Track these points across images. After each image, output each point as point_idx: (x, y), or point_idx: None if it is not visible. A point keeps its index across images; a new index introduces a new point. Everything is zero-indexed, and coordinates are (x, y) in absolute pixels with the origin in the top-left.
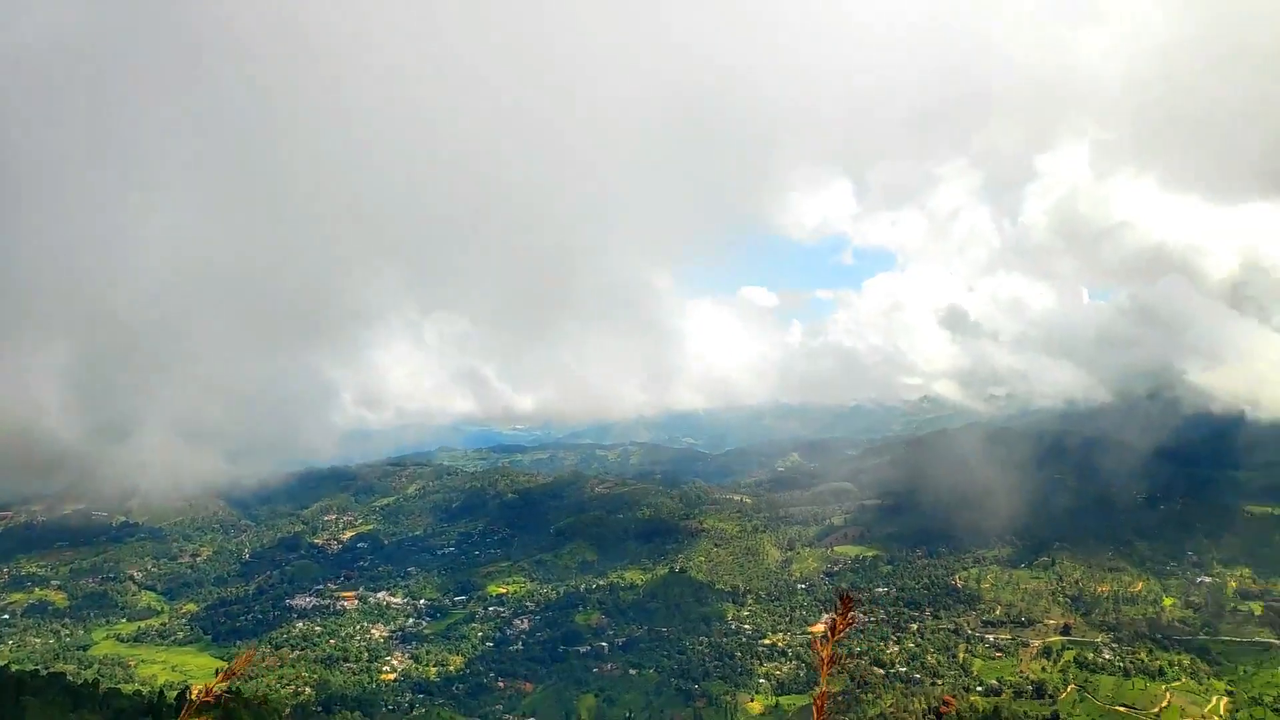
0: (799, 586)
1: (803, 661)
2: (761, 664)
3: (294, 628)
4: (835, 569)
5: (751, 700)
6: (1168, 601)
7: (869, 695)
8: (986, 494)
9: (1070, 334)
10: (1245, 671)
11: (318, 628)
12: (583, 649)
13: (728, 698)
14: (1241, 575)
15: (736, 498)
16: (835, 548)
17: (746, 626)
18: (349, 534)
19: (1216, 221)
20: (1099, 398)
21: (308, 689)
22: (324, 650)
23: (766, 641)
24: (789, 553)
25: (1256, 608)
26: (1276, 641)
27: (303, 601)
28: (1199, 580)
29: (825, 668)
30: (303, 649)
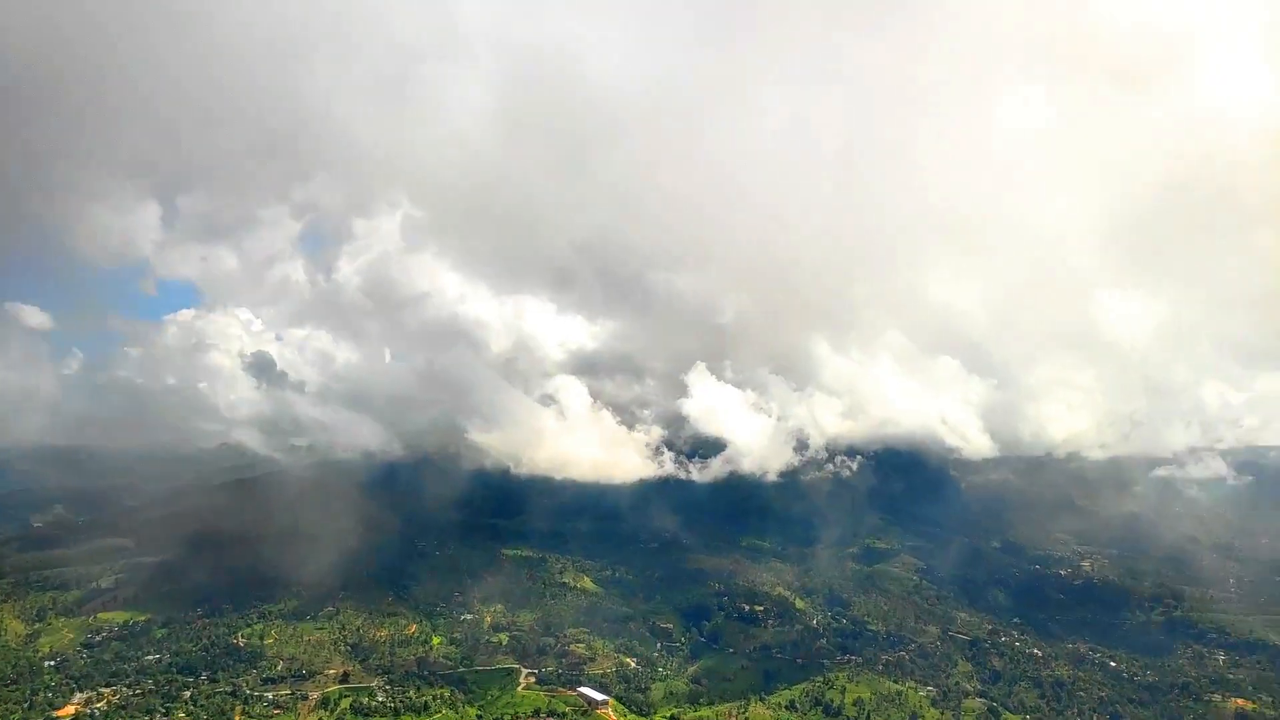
0: (47, 664)
1: None
2: None
3: None
4: (98, 639)
5: None
6: (436, 640)
7: None
8: (280, 546)
9: (372, 390)
10: (493, 695)
11: None
12: None
13: None
14: (496, 611)
15: None
16: (100, 614)
17: None
18: None
19: (498, 305)
20: (394, 452)
21: None
22: None
23: None
24: (37, 625)
25: (504, 638)
26: (517, 666)
27: None
28: (462, 618)
29: None
30: None
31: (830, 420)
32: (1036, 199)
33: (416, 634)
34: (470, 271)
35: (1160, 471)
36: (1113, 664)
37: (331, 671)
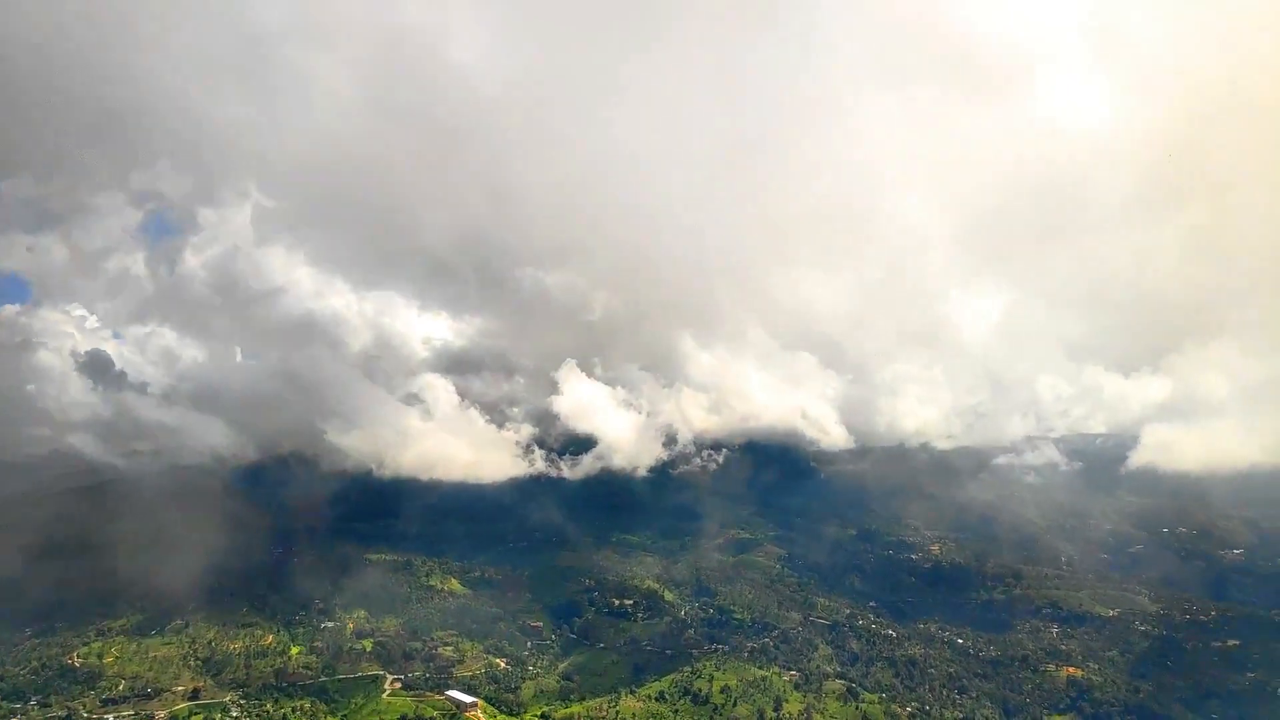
0: None
1: None
2: None
3: None
4: None
5: None
6: (295, 650)
7: None
8: (122, 558)
9: (222, 391)
10: (357, 704)
11: None
12: None
13: None
14: (359, 617)
15: None
16: None
17: None
18: None
19: (358, 301)
20: (248, 455)
21: None
22: None
23: None
24: None
25: (368, 645)
26: (382, 672)
27: None
28: (323, 626)
29: None
30: None
31: (697, 415)
32: (892, 202)
33: (274, 645)
34: (327, 266)
35: (1001, 459)
36: (960, 641)
37: (180, 689)
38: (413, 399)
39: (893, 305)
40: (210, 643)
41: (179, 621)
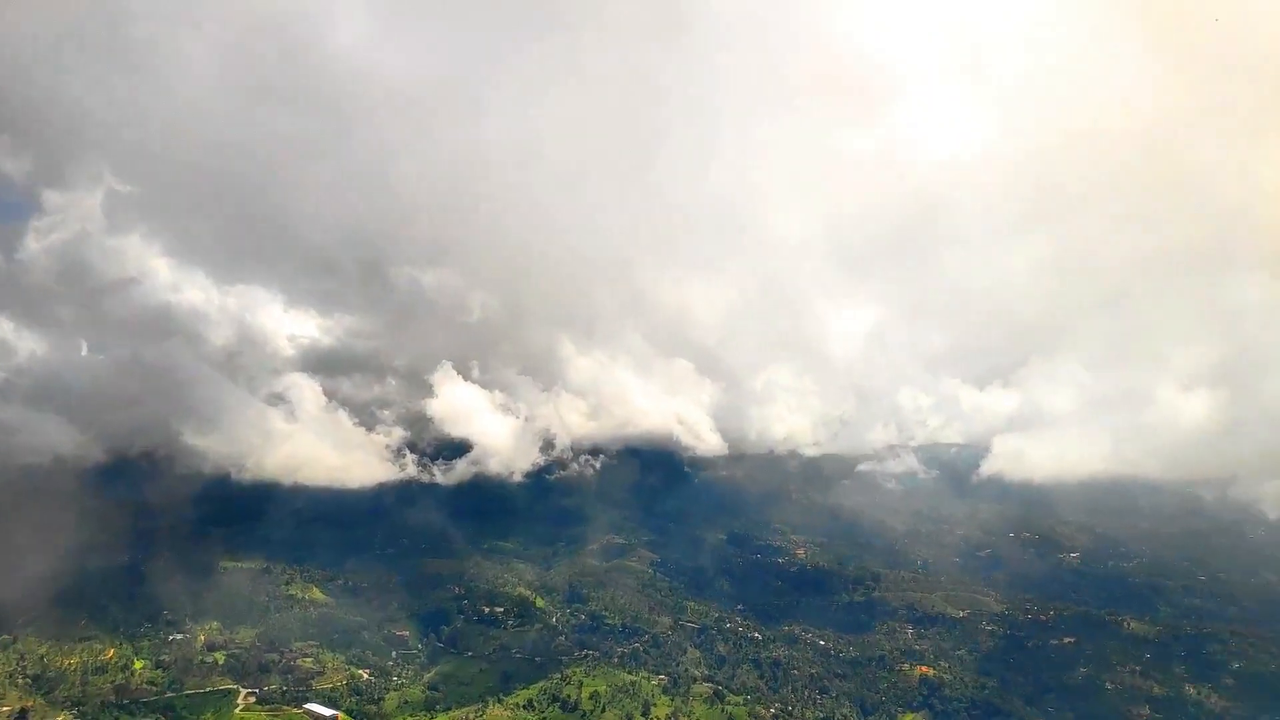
0: None
1: None
2: None
3: None
4: None
5: None
6: (139, 664)
7: None
8: None
9: (64, 386)
10: None
11: None
12: None
13: None
14: (211, 628)
15: None
16: None
17: None
18: None
19: (219, 295)
20: (93, 456)
21: None
22: None
23: None
24: None
25: (221, 657)
26: (235, 686)
27: None
28: (171, 638)
29: None
30: None
31: (576, 420)
32: (768, 214)
33: (115, 659)
34: (187, 257)
35: (863, 467)
36: (822, 643)
37: (6, 709)
38: (276, 399)
39: (766, 315)
40: (42, 658)
41: (6, 636)
